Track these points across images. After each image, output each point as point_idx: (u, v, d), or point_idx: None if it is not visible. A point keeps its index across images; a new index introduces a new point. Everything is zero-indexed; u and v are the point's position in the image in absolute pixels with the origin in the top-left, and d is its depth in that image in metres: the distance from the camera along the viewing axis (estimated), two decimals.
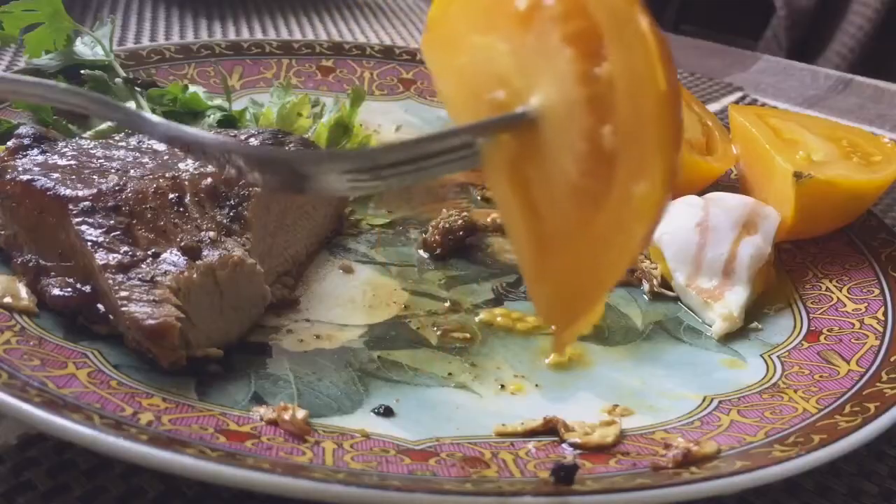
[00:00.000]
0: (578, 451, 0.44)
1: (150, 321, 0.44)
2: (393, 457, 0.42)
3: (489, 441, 0.45)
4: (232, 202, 0.53)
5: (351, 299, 0.57)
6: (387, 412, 0.47)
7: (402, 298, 0.58)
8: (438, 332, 0.54)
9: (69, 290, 0.48)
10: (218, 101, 0.71)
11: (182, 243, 0.49)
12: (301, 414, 0.43)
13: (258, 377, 0.48)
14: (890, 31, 2.23)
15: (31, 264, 0.50)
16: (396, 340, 0.53)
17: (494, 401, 0.49)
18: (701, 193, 0.66)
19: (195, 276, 0.47)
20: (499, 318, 0.56)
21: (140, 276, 0.46)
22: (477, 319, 0.56)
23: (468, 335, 0.55)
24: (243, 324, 0.51)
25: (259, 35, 1.12)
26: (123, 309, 0.45)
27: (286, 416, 0.43)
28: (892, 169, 0.65)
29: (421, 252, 0.63)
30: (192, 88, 0.71)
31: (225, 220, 0.52)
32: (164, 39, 1.05)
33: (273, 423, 0.43)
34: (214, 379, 0.47)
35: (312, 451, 0.41)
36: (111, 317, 0.47)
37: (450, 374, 0.51)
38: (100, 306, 0.48)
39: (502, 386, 0.50)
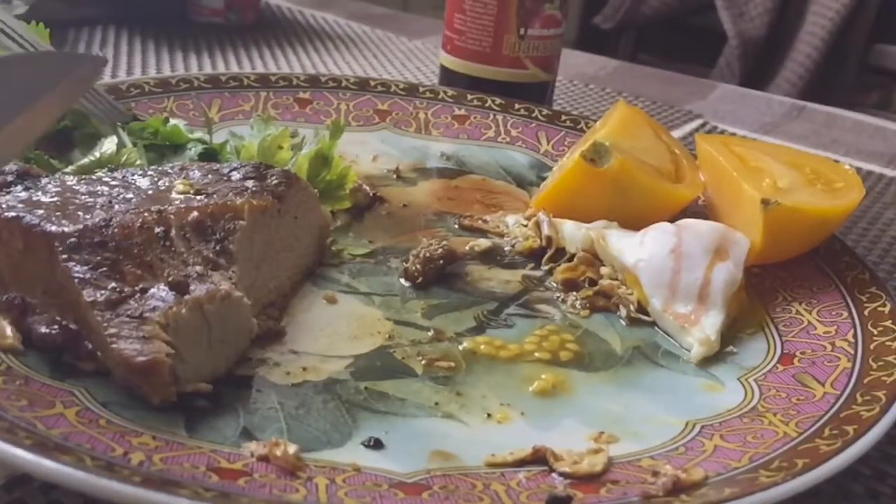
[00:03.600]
0: (569, 481, 0.43)
1: (140, 358, 0.43)
2: (386, 491, 0.40)
3: (480, 472, 0.44)
4: (217, 236, 0.51)
5: (336, 330, 0.55)
6: (377, 444, 0.45)
7: (386, 328, 0.56)
8: (423, 362, 0.53)
9: (55, 327, 0.46)
10: (198, 134, 0.70)
11: (169, 278, 0.47)
12: (292, 449, 0.42)
13: (246, 412, 0.46)
14: (836, 58, 2.27)
15: (16, 301, 0.48)
16: (382, 371, 0.52)
17: (482, 430, 0.48)
18: (672, 220, 0.65)
19: (183, 311, 0.46)
20: (482, 347, 0.55)
21: (128, 312, 0.45)
22: (461, 348, 0.55)
23: (452, 364, 0.53)
24: (230, 357, 0.50)
25: (234, 68, 1.11)
26: (113, 346, 0.43)
27: (278, 452, 0.41)
28: (854, 195, 0.65)
29: (402, 281, 0.62)
30: (172, 121, 0.69)
31: (211, 254, 0.50)
32: (140, 73, 1.03)
33: (264, 458, 0.42)
34: (203, 414, 0.45)
35: (306, 488, 0.40)
36: (99, 353, 0.46)
37: (437, 403, 0.50)
38: (87, 343, 0.46)
39: (489, 415, 0.49)
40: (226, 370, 0.49)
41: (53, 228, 0.47)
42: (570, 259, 0.66)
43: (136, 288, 0.46)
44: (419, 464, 0.44)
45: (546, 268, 0.66)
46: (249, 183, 0.56)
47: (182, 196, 0.53)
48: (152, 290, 0.46)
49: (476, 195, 0.78)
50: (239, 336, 0.50)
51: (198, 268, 0.49)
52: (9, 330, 0.47)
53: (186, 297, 0.46)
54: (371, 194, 0.73)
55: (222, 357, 0.49)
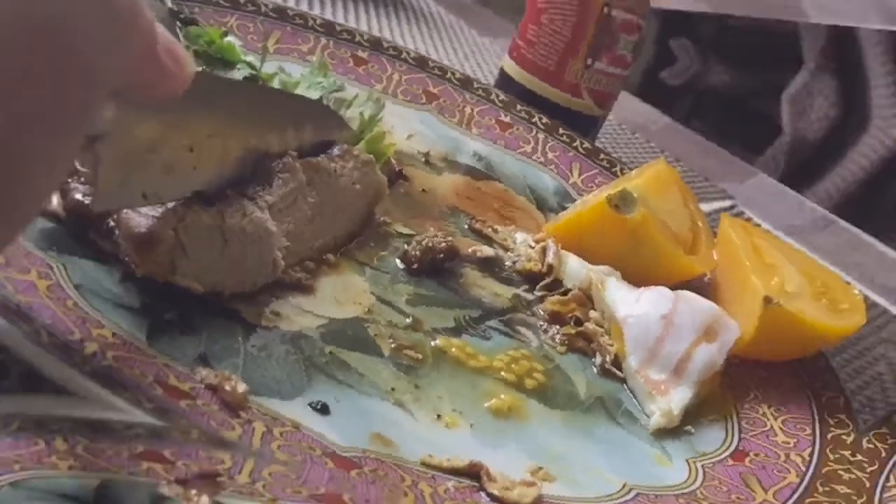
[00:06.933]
0: None
1: (142, 229, 0.44)
2: (318, 457, 0.40)
3: (413, 468, 0.44)
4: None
5: (319, 288, 0.55)
6: (323, 409, 0.45)
7: (369, 301, 0.56)
8: (393, 345, 0.53)
9: (90, 197, 0.47)
10: (250, 58, 0.69)
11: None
12: (242, 388, 0.42)
13: (209, 339, 0.46)
14: (880, 184, 2.27)
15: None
16: (351, 341, 0.52)
17: (428, 428, 0.48)
18: (673, 288, 0.65)
19: (203, 215, 0.47)
20: (454, 349, 0.55)
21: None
22: (433, 343, 0.55)
23: (420, 356, 0.53)
24: (242, 281, 0.50)
25: (302, 6, 1.10)
26: (123, 216, 0.44)
27: (227, 387, 0.41)
28: (855, 320, 0.65)
29: (398, 262, 0.62)
30: (229, 38, 0.69)
31: (251, 189, 0.51)
32: None
33: (212, 388, 0.42)
34: (167, 327, 0.45)
35: (243, 429, 0.40)
36: (117, 232, 0.46)
37: (393, 388, 0.50)
38: (110, 221, 0.46)
39: (439, 416, 0.49)
40: (231, 290, 0.49)
41: None
42: (565, 293, 0.65)
43: None
44: (358, 441, 0.44)
45: (538, 294, 0.66)
46: None
47: None
48: None
49: (495, 203, 0.77)
50: (259, 265, 0.50)
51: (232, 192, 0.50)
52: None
53: (211, 207, 0.47)
54: (397, 170, 0.73)
55: (232, 277, 0.49)
